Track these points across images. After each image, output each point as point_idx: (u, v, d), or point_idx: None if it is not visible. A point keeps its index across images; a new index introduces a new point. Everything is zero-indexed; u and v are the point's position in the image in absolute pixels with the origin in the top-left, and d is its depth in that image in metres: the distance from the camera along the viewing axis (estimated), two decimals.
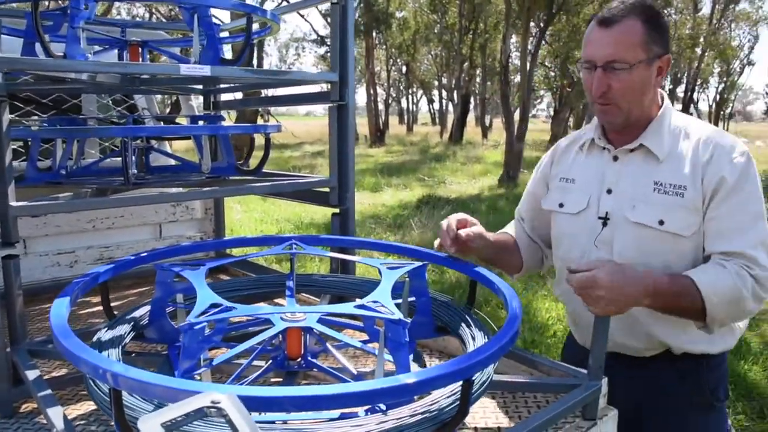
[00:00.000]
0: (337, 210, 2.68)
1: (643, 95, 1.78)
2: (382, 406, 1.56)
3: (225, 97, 3.56)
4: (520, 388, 1.83)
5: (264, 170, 2.77)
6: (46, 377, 1.91)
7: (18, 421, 1.91)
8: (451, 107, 34.55)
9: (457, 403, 1.37)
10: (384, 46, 34.60)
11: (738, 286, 1.65)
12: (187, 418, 0.89)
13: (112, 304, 2.09)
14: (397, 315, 1.59)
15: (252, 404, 1.05)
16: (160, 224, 3.58)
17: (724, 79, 48.38)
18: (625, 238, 1.81)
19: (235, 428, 0.85)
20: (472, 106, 34.61)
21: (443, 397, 1.40)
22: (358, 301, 1.72)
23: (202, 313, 1.55)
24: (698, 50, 35.68)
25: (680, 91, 43.34)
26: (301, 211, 11.23)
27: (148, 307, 1.97)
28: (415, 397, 1.44)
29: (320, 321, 1.72)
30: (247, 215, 11.23)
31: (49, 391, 1.71)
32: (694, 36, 34.59)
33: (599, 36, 1.75)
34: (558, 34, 22.24)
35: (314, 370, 1.89)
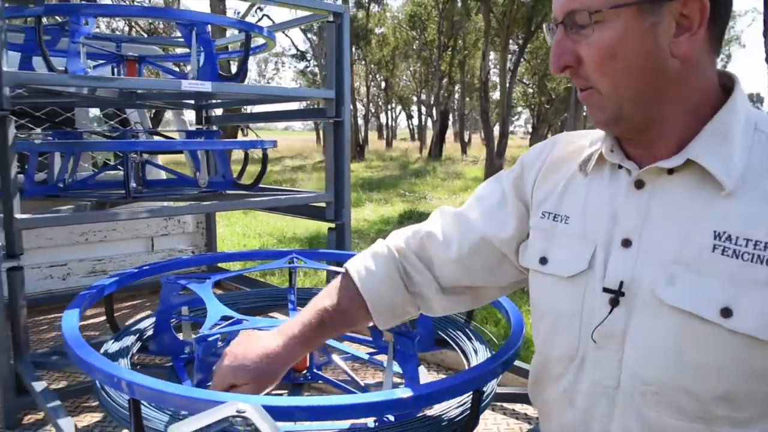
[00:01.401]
0: (333, 225, 2.73)
1: (646, 70, 0.89)
2: (391, 417, 1.61)
3: (217, 111, 3.60)
4: (521, 399, 1.88)
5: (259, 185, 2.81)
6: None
7: None
8: (430, 123, 34.86)
9: (466, 413, 1.41)
10: (363, 62, 34.87)
11: None
12: (214, 427, 0.92)
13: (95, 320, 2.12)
14: (406, 328, 1.63)
15: (274, 414, 1.09)
16: (152, 237, 3.59)
17: None
18: (652, 335, 0.91)
19: None
20: (450, 121, 34.90)
21: (451, 408, 1.44)
22: None
23: (215, 326, 1.58)
24: None
25: None
26: (283, 226, 11.22)
27: (151, 320, 1.99)
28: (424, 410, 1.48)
29: None
30: (229, 229, 11.19)
31: (57, 402, 1.73)
32: None
33: None
34: (536, 51, 22.56)
35: (319, 382, 1.92)
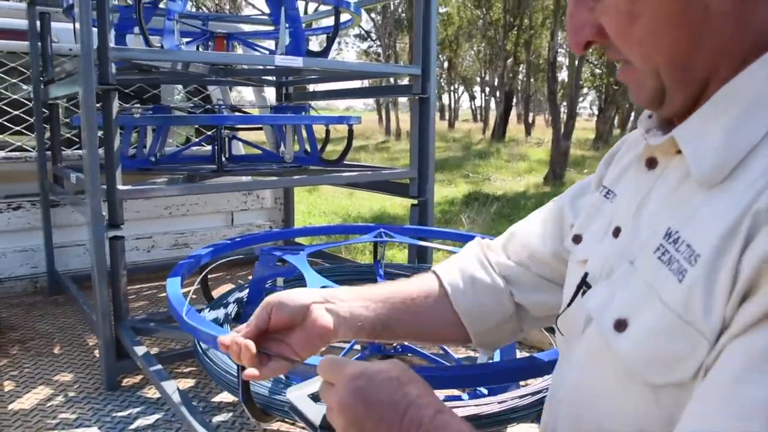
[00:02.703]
0: (416, 201, 2.73)
1: (680, 26, 0.63)
2: (484, 390, 1.60)
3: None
4: None
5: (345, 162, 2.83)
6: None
7: (123, 394, 1.99)
8: (492, 104, 34.35)
9: None
10: None
11: None
12: None
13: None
14: None
15: None
16: (232, 212, 3.67)
17: None
18: (582, 349, 0.76)
19: None
20: (514, 103, 34.40)
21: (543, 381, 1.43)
22: None
23: None
24: None
25: None
26: (348, 205, 11.31)
27: (245, 290, 2.03)
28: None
29: None
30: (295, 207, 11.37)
31: (159, 366, 1.79)
32: None
33: None
34: None
35: (408, 355, 1.93)
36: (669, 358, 0.58)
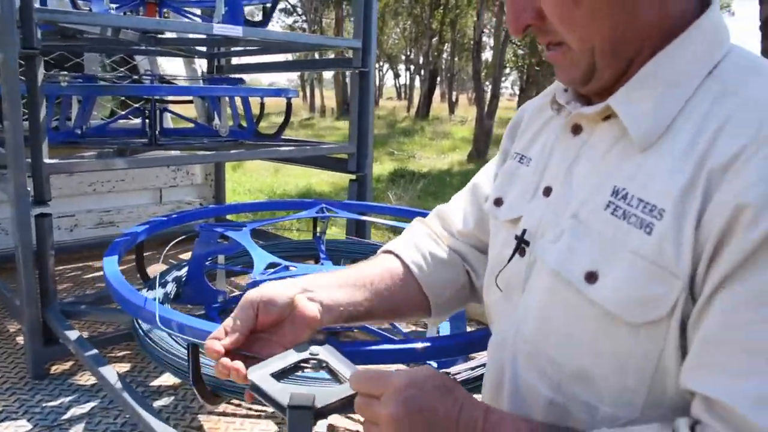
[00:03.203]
0: (354, 177, 2.69)
1: (617, 10, 0.72)
2: (434, 364, 1.60)
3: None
4: None
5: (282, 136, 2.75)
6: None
7: (52, 383, 1.89)
8: (417, 82, 34.50)
9: None
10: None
11: None
12: (291, 369, 0.90)
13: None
14: None
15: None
16: (161, 189, 3.52)
17: None
18: (534, 292, 0.83)
19: (339, 375, 0.87)
20: (438, 81, 34.62)
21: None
22: None
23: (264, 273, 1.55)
24: None
25: None
26: (273, 182, 11.14)
27: (184, 269, 1.95)
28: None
29: None
30: None
31: (94, 351, 1.70)
32: None
33: None
34: None
35: (354, 330, 1.91)
36: (647, 300, 0.67)
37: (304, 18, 32.58)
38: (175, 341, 1.47)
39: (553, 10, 0.74)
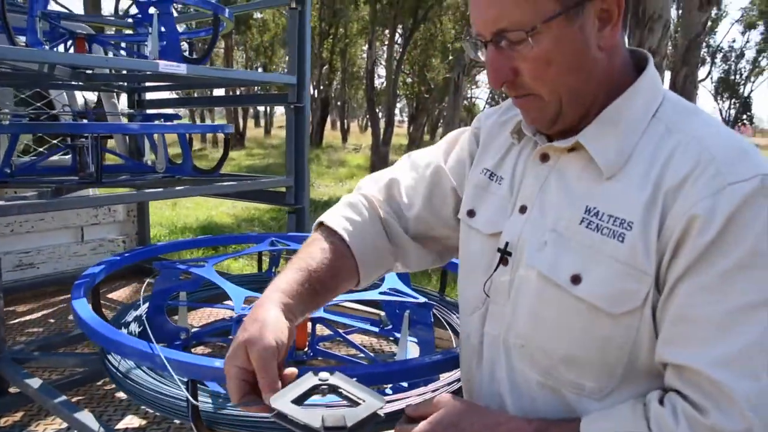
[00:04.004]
0: (292, 209, 2.75)
1: (580, 69, 0.94)
2: (405, 384, 1.69)
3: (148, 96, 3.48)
4: None
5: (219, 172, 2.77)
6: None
7: None
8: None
9: None
10: (242, 48, 34.10)
11: None
12: (307, 395, 0.97)
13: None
14: (422, 299, 1.71)
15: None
16: (82, 227, 3.41)
17: None
18: (524, 293, 1.00)
19: (353, 397, 0.95)
20: (329, 109, 34.90)
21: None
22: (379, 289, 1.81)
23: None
24: None
25: None
26: (172, 215, 10.85)
27: (144, 307, 1.94)
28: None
29: (325, 311, 1.82)
30: None
31: (64, 397, 1.66)
32: None
33: None
34: (416, 42, 23.05)
35: (319, 358, 1.96)
36: (624, 294, 0.87)
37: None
38: (154, 379, 1.48)
39: (529, 70, 0.94)
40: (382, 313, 2.02)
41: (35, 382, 1.74)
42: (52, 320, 2.75)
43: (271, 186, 2.77)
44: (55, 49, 2.44)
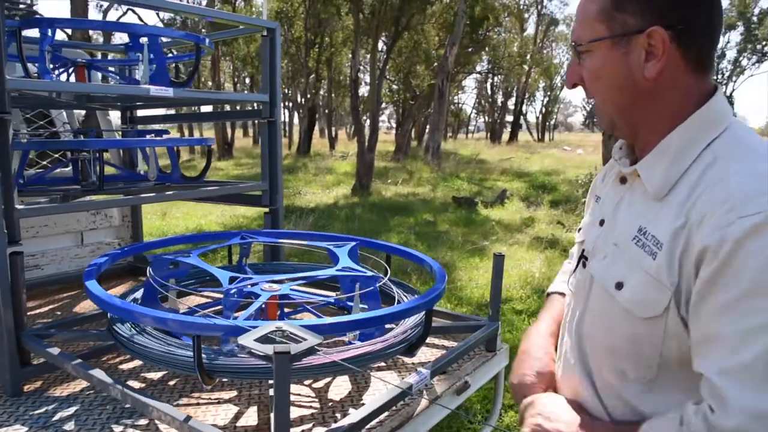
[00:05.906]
0: (267, 210, 3.16)
1: (622, 89, 1.14)
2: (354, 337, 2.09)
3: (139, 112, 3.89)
4: (446, 330, 2.45)
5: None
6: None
7: (30, 398, 2.17)
8: (296, 119, 35.03)
9: (419, 331, 1.95)
10: (229, 58, 34.54)
11: None
12: (267, 337, 1.41)
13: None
14: (370, 272, 2.14)
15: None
16: (82, 232, 3.81)
17: (548, 93, 53.03)
18: (593, 298, 1.24)
19: (297, 337, 1.39)
20: (317, 117, 35.34)
21: (409, 328, 1.97)
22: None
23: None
24: (525, 67, 38.98)
25: (511, 104, 47.44)
26: (162, 225, 11.23)
27: (140, 292, 2.34)
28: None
29: (292, 290, 2.23)
30: None
31: (79, 360, 2.05)
32: (522, 54, 37.84)
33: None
34: (400, 50, 23.50)
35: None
36: (650, 302, 1.07)
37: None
38: (159, 341, 1.88)
39: (587, 78, 1.19)
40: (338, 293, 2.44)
41: (55, 351, 2.14)
42: (59, 312, 3.13)
43: (248, 190, 3.18)
44: (59, 77, 2.86)
